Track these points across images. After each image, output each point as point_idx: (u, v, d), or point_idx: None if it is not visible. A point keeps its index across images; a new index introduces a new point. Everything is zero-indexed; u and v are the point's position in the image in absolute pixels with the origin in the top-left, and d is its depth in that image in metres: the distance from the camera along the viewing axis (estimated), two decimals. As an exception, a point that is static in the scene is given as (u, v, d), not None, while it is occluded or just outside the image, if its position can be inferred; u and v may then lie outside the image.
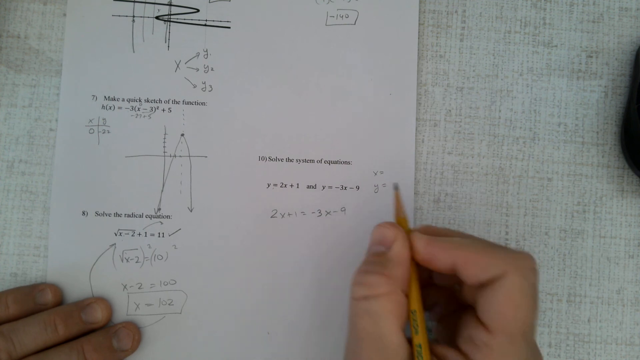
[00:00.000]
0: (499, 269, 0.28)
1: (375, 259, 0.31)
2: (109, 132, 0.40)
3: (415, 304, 0.31)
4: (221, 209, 0.40)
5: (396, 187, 0.35)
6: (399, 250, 0.31)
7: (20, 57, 0.41)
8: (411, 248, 0.31)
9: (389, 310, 0.29)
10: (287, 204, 0.40)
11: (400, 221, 0.34)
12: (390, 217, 0.40)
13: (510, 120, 0.42)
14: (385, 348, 0.29)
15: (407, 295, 0.31)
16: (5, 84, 0.41)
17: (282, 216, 0.40)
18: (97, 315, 0.38)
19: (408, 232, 0.32)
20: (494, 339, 0.28)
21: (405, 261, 0.31)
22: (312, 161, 0.41)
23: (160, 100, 0.40)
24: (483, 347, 0.28)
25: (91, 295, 0.39)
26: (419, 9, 0.42)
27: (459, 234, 0.33)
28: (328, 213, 0.40)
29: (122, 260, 0.39)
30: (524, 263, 0.29)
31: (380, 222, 0.32)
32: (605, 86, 0.42)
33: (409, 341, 0.30)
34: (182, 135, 0.40)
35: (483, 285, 0.29)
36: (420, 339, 0.30)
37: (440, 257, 0.30)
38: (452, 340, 0.31)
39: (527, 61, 0.42)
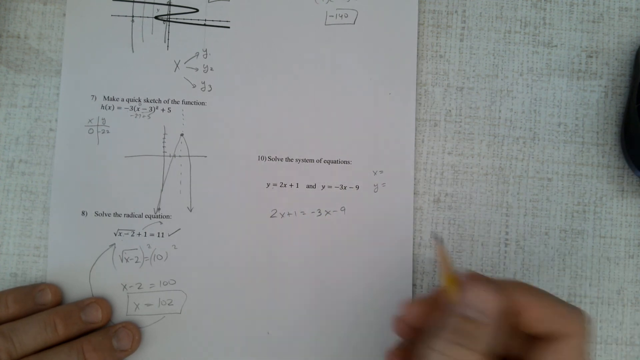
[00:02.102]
0: (562, 326, 0.27)
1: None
2: (108, 132, 0.40)
3: None
4: (221, 209, 0.40)
5: (439, 240, 0.31)
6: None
7: (20, 57, 0.41)
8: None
9: None
10: (287, 203, 0.40)
11: (451, 279, 0.29)
12: (390, 217, 0.40)
13: (510, 120, 0.42)
14: None
15: None
16: (5, 84, 0.41)
17: (282, 216, 0.40)
18: (97, 315, 0.38)
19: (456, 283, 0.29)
20: None
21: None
22: (312, 161, 0.41)
23: (159, 100, 0.40)
24: None
25: (91, 295, 0.39)
26: (419, 9, 0.42)
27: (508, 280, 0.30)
28: (328, 213, 0.40)
29: (122, 260, 0.39)
30: (584, 324, 0.27)
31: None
32: (605, 86, 0.42)
33: None
34: (182, 135, 0.40)
35: (539, 338, 0.27)
36: None
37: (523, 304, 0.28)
38: None
39: (527, 61, 0.42)
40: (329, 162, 0.41)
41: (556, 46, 0.42)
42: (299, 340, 0.39)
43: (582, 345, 0.27)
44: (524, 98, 0.42)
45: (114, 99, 0.40)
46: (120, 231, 0.40)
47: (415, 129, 0.41)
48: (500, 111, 0.42)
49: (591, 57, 0.42)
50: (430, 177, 0.41)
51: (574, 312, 0.27)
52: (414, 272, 0.40)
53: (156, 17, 0.41)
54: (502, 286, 0.27)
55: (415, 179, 0.41)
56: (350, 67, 0.41)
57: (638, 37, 0.42)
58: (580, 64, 0.42)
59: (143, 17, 0.41)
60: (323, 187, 0.40)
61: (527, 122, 0.42)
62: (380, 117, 0.41)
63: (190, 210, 0.40)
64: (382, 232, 0.40)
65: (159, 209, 0.40)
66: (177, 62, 0.41)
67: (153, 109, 0.40)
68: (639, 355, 0.40)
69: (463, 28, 0.42)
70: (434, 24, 0.42)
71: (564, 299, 0.40)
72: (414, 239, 0.41)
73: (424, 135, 0.41)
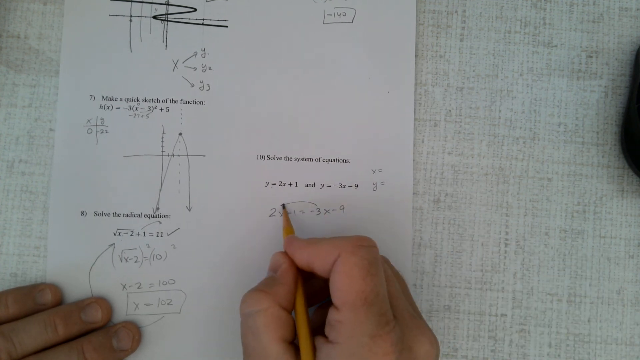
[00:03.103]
0: (334, 255, 0.31)
1: (263, 281, 0.34)
2: (107, 132, 0.40)
3: (299, 312, 0.33)
4: (220, 208, 0.40)
5: (284, 208, 0.40)
6: (284, 271, 0.34)
7: (20, 57, 0.41)
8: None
9: (266, 324, 0.31)
10: (286, 202, 0.40)
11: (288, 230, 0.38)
12: (388, 215, 0.40)
13: (510, 120, 0.42)
14: (268, 359, 0.31)
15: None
16: (5, 84, 0.41)
17: (281, 215, 0.40)
18: (97, 315, 0.38)
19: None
20: (341, 313, 0.30)
21: (289, 280, 0.33)
22: (311, 159, 0.41)
23: (158, 100, 0.40)
24: (336, 325, 0.30)
25: (90, 295, 0.39)
26: (419, 9, 0.42)
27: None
28: (327, 211, 0.40)
29: (121, 260, 0.39)
30: (354, 243, 0.32)
31: (287, 241, 0.35)
32: (605, 86, 0.42)
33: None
34: (180, 134, 0.40)
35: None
36: (301, 342, 0.32)
37: (297, 257, 0.34)
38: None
39: (527, 61, 0.42)
40: (327, 160, 0.41)
41: (556, 46, 0.42)
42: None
43: (350, 258, 0.31)
44: (524, 98, 0.42)
45: (112, 99, 0.40)
46: (119, 231, 0.40)
47: (416, 129, 0.41)
48: (500, 111, 0.42)
49: (591, 57, 0.42)
50: (430, 177, 0.41)
51: (344, 240, 0.32)
52: (413, 271, 0.40)
53: (154, 17, 0.41)
54: (297, 243, 0.34)
55: (415, 178, 0.41)
56: (348, 66, 0.41)
57: (638, 37, 0.42)
58: (580, 64, 0.42)
59: (141, 16, 0.41)
60: (322, 186, 0.40)
61: (527, 122, 0.42)
62: (378, 115, 0.41)
63: (189, 210, 0.40)
64: (382, 230, 0.40)
65: (157, 209, 0.40)
66: (175, 62, 0.41)
67: (151, 108, 0.40)
68: (639, 355, 0.40)
69: (463, 28, 0.42)
70: (434, 23, 0.42)
71: (564, 299, 0.40)
72: (413, 238, 0.41)
73: (424, 135, 0.41)
